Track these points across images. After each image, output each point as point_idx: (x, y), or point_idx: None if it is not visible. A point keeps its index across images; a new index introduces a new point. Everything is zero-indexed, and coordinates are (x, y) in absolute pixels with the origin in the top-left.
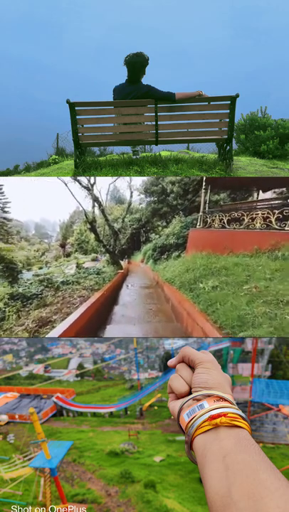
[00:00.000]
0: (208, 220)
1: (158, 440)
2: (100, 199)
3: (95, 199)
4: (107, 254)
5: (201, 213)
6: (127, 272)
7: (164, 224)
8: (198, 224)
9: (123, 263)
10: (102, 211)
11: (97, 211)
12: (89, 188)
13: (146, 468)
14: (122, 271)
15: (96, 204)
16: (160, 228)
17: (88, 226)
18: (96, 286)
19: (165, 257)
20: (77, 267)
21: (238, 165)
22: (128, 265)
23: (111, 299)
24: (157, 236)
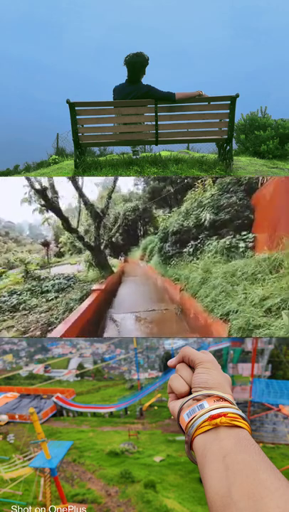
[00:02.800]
0: None
1: (158, 440)
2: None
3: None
4: (88, 253)
5: None
6: (120, 276)
7: (168, 211)
8: None
9: (118, 261)
10: (73, 179)
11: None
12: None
13: (146, 468)
14: (102, 287)
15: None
16: (161, 219)
17: (41, 202)
18: None
19: (191, 250)
20: (24, 276)
21: (238, 165)
22: (124, 265)
23: None
24: (167, 215)
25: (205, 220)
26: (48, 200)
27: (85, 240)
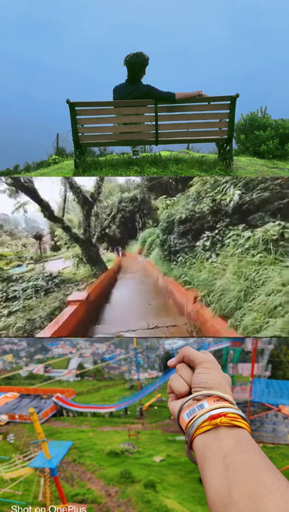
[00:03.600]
0: None
1: (158, 440)
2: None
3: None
4: (77, 247)
5: None
6: (115, 273)
7: (172, 200)
8: None
9: (114, 255)
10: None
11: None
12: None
13: (146, 468)
14: (83, 297)
15: None
16: (164, 205)
17: (8, 180)
18: None
19: (207, 244)
20: None
21: (238, 165)
22: (120, 259)
23: None
24: (172, 200)
25: (231, 201)
26: (17, 181)
27: (73, 231)
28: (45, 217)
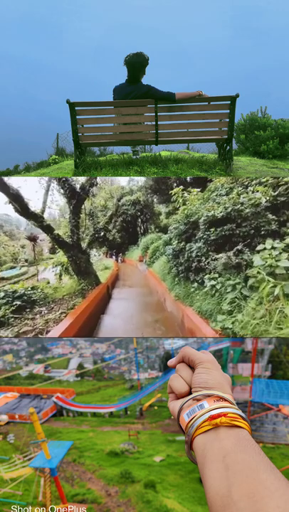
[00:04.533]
0: None
1: (158, 440)
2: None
3: None
4: (60, 252)
5: None
6: (109, 290)
7: (193, 192)
8: None
9: (113, 262)
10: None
11: None
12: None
13: (146, 468)
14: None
15: None
16: (181, 200)
17: None
18: None
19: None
20: None
21: (238, 165)
22: (118, 269)
23: None
24: (192, 193)
25: None
26: None
27: (55, 232)
28: (16, 211)
